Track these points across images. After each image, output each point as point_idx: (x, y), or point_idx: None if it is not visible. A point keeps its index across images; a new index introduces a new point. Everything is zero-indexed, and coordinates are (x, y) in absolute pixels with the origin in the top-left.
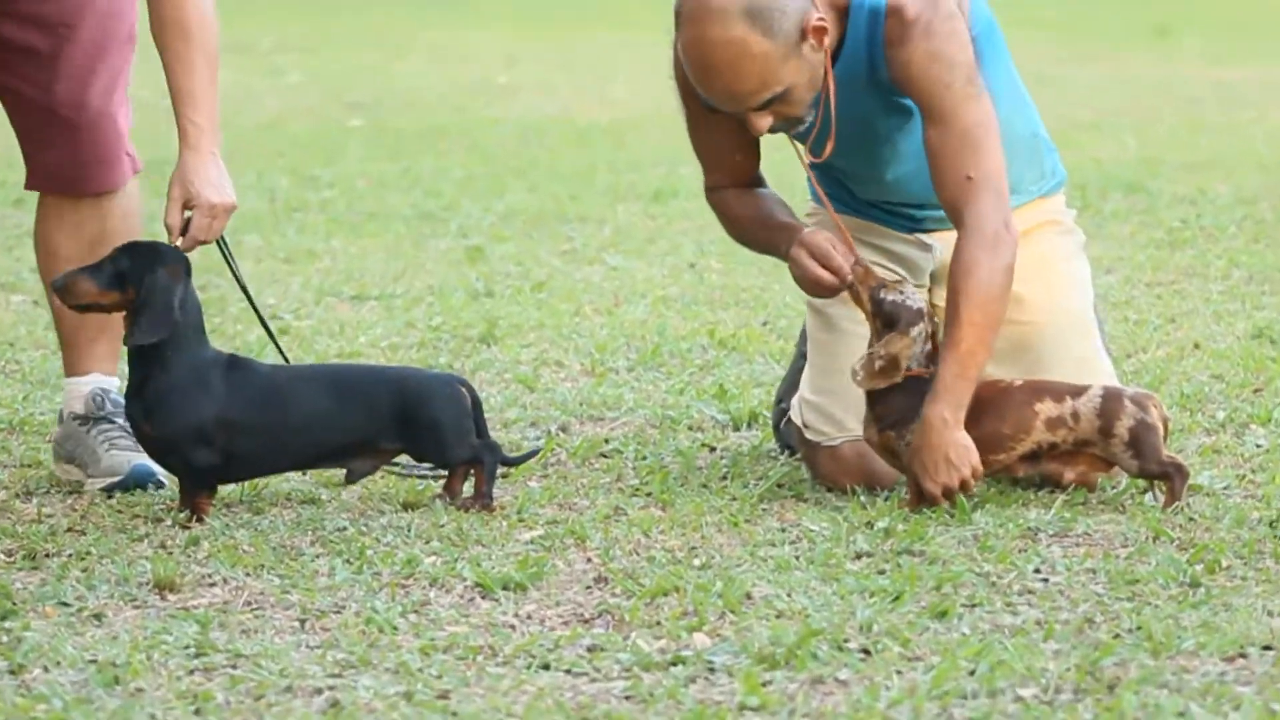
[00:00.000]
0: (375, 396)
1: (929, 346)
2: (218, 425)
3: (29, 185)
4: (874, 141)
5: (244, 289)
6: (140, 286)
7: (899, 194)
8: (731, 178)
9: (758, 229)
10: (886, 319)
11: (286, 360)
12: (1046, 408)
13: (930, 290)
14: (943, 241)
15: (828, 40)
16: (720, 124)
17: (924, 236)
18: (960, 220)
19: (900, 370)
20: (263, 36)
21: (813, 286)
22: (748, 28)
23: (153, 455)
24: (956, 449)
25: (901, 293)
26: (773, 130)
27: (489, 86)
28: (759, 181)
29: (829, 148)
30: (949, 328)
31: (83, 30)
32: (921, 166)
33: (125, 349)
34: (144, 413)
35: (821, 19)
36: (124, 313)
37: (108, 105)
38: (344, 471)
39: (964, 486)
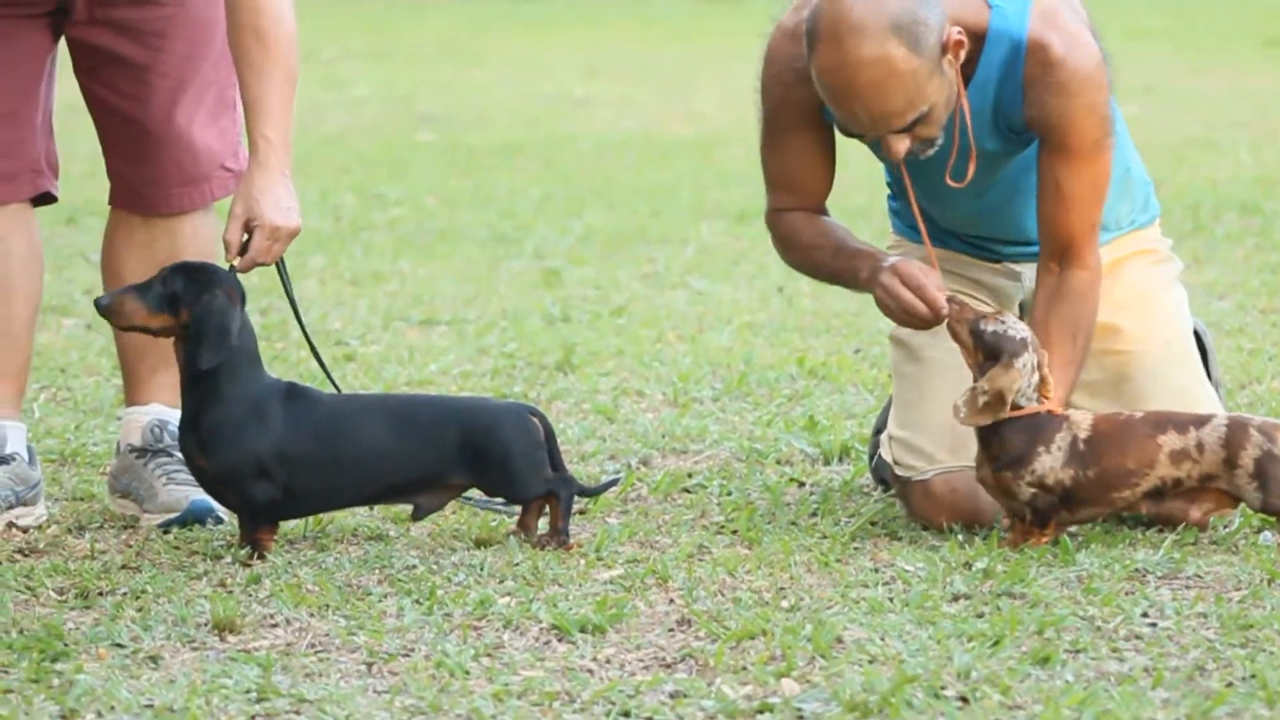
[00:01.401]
0: (442, 429)
1: (1037, 378)
2: (275, 458)
3: (112, 201)
4: (977, 170)
5: (298, 315)
6: (194, 309)
7: (978, 226)
8: (801, 201)
9: (829, 254)
10: (989, 351)
11: (339, 390)
12: (1170, 440)
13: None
14: (1030, 270)
15: (963, 55)
16: (799, 145)
17: (1013, 266)
18: (1066, 264)
19: (1006, 405)
20: (325, 45)
21: (905, 316)
22: (895, 44)
23: (209, 490)
24: None
25: (1003, 322)
26: (909, 154)
27: (566, 100)
28: (824, 209)
29: (971, 171)
30: (1060, 351)
31: (175, 41)
32: (1009, 203)
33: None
34: (199, 446)
35: (961, 33)
36: (172, 338)
37: (196, 121)
38: (411, 507)
39: None
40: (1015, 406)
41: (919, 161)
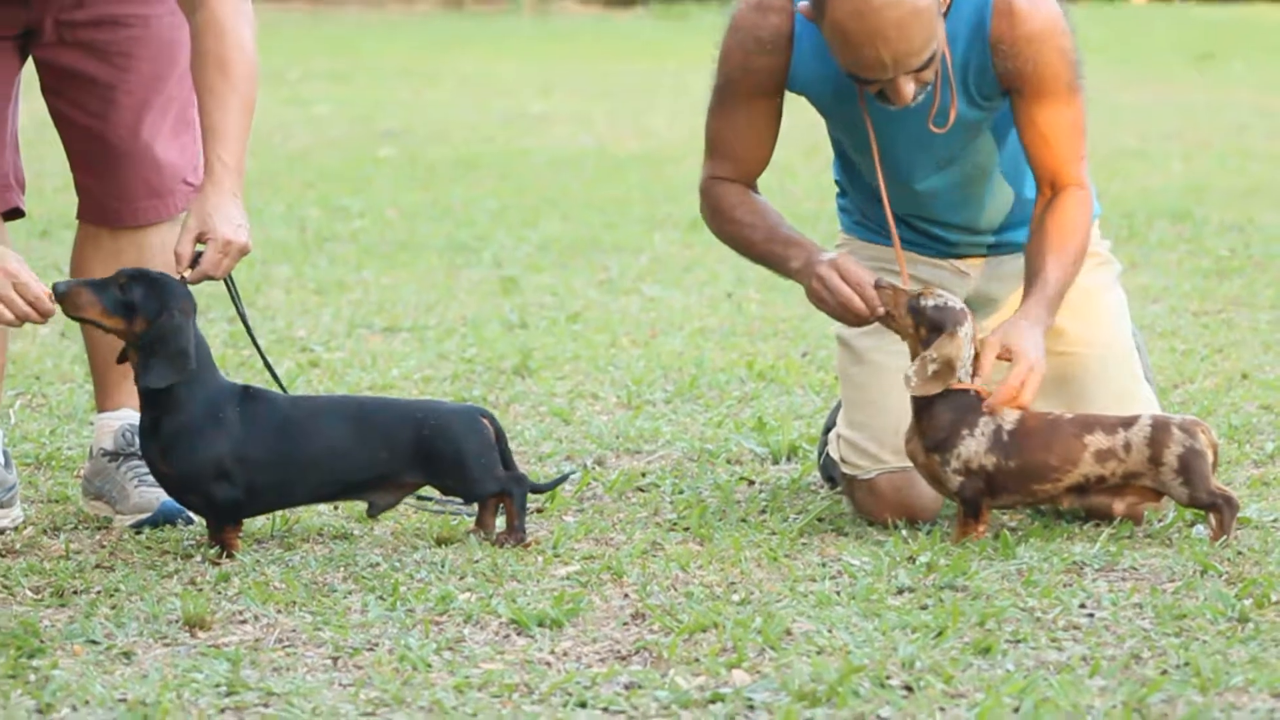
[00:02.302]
0: (395, 430)
1: (974, 352)
2: (235, 460)
3: (80, 215)
4: (930, 142)
5: (248, 329)
6: (152, 322)
7: (933, 206)
8: (738, 172)
9: (762, 235)
10: (932, 324)
11: (284, 391)
12: (1096, 440)
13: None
14: (975, 270)
15: (946, 6)
16: (748, 114)
17: (957, 263)
18: (1064, 182)
19: (955, 373)
20: (291, 66)
21: (841, 311)
22: None
23: (172, 494)
24: (1037, 348)
25: (940, 295)
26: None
27: (522, 116)
28: (755, 186)
29: (953, 116)
30: (1043, 273)
31: (140, 61)
32: (968, 184)
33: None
34: (160, 452)
35: None
36: (126, 344)
37: (160, 136)
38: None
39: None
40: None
41: (890, 126)
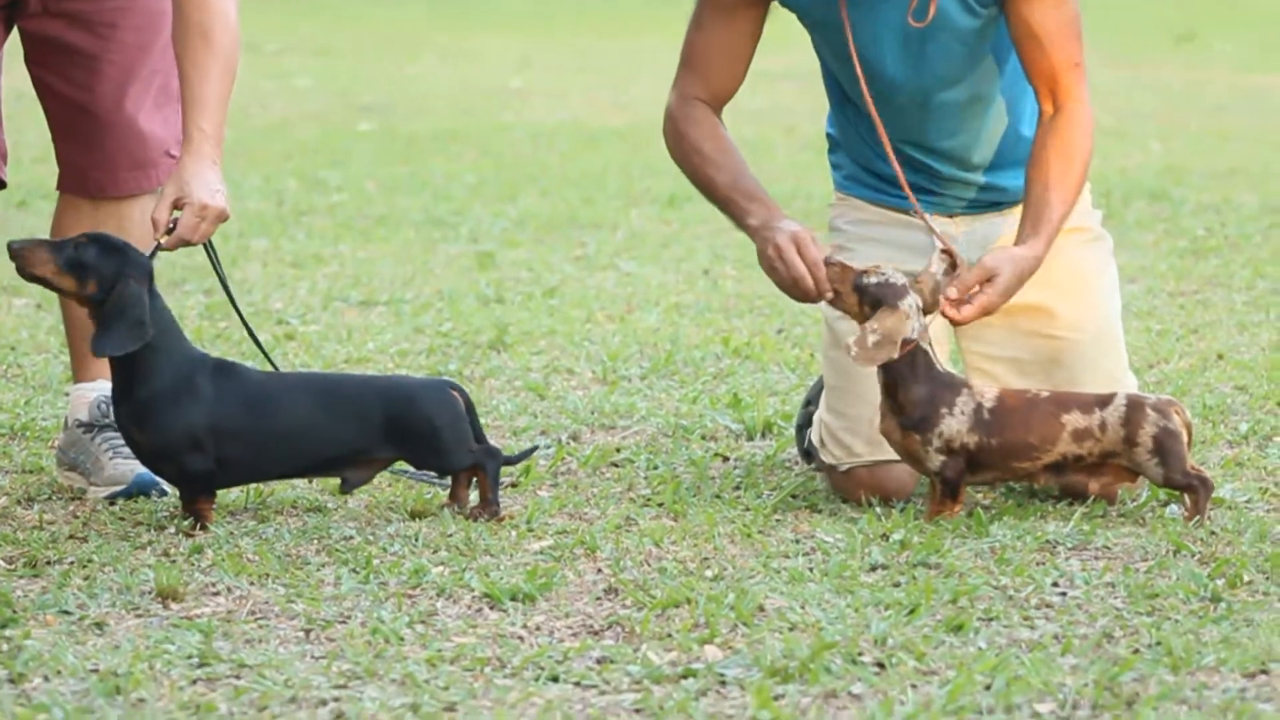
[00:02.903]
0: (365, 406)
1: (923, 321)
2: (208, 430)
3: (60, 186)
4: (922, 52)
5: (229, 295)
6: (103, 285)
7: (921, 130)
8: (709, 91)
9: (727, 179)
10: (874, 301)
11: (275, 368)
12: (1074, 419)
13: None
14: (960, 230)
15: None
16: (728, 30)
17: (946, 221)
18: (1059, 103)
19: (897, 346)
20: (269, 39)
21: (790, 284)
22: None
23: (145, 463)
24: (1016, 273)
25: (883, 273)
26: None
27: (501, 90)
28: (719, 111)
29: (932, 10)
30: (1044, 198)
31: (125, 31)
32: (954, 116)
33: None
34: (133, 420)
35: None
36: (87, 309)
37: (143, 108)
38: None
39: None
40: (906, 342)
41: (873, 26)
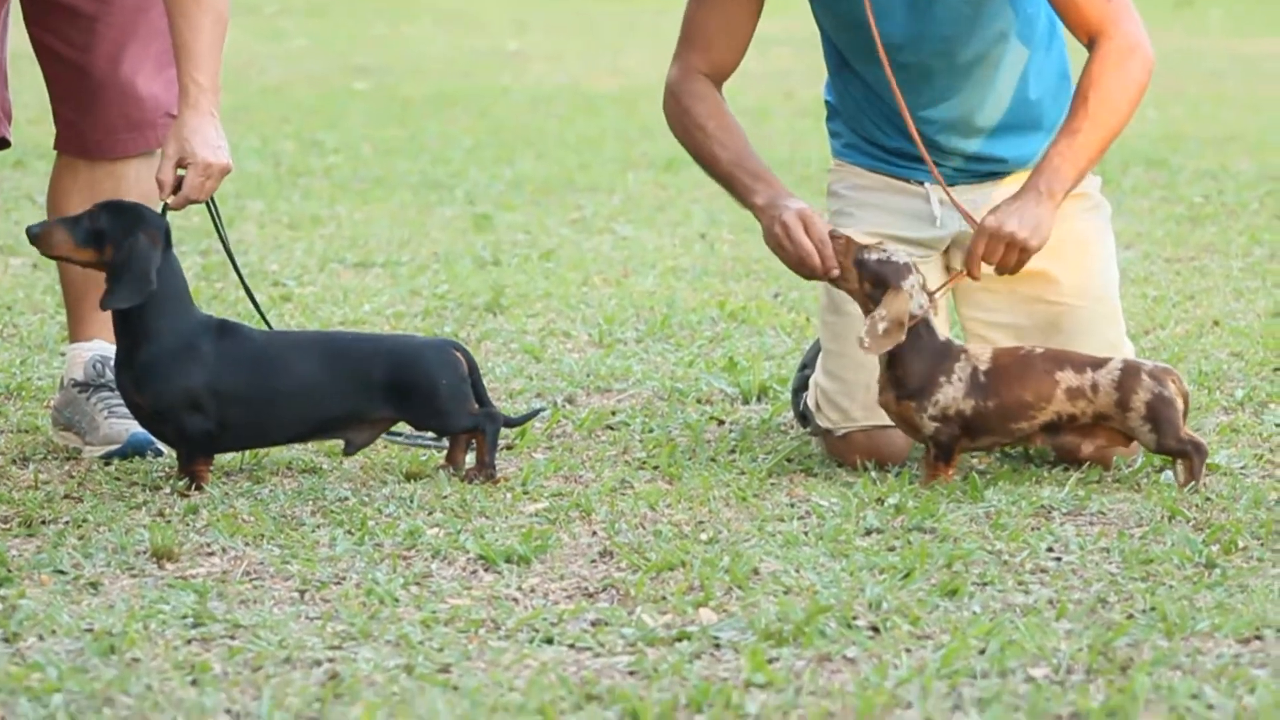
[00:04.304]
0: (368, 365)
1: (925, 298)
2: (209, 392)
3: (57, 146)
4: (932, 17)
5: (229, 253)
6: (118, 248)
7: (933, 97)
8: (710, 65)
9: (731, 156)
10: (876, 279)
11: (270, 327)
12: (1067, 377)
13: (949, 254)
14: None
15: None
16: (728, 3)
17: (940, 192)
18: (1100, 36)
19: (904, 329)
20: (267, 0)
21: (795, 262)
22: None
23: (145, 425)
24: (1036, 220)
25: (884, 250)
26: None
27: (498, 53)
28: (720, 86)
29: None
30: (1069, 118)
31: None
32: (971, 88)
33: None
34: (134, 382)
35: None
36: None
37: (142, 70)
38: (343, 443)
39: (1020, 259)
40: (910, 317)
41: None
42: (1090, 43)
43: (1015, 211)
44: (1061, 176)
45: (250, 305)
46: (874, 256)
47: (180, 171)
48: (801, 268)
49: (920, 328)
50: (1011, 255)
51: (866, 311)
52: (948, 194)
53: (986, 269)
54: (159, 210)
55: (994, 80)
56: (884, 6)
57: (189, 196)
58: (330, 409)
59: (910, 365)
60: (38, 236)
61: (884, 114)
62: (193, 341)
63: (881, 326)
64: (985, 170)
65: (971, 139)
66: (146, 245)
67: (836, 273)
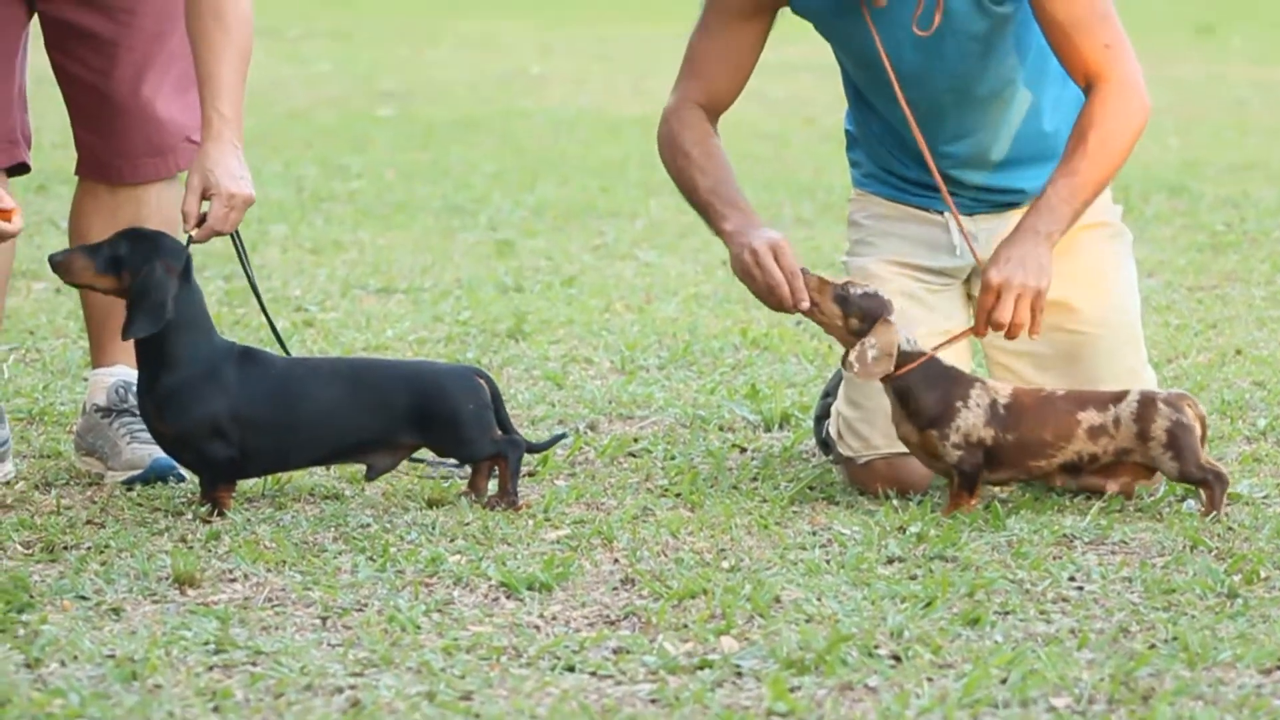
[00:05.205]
0: (391, 391)
1: (938, 349)
2: (231, 419)
3: (78, 171)
4: (941, 54)
5: (253, 284)
6: (136, 276)
7: (946, 133)
8: (709, 96)
9: (709, 183)
10: (864, 313)
11: (287, 354)
12: (1089, 416)
13: (970, 282)
14: (975, 225)
15: None
16: (732, 36)
17: (959, 221)
18: (1095, 78)
19: (893, 359)
20: (291, 24)
21: (766, 293)
22: None
23: (167, 451)
24: (1039, 264)
25: (865, 284)
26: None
27: (521, 77)
28: (716, 121)
29: (937, 20)
30: (1067, 158)
31: (143, 17)
32: (984, 122)
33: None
34: (156, 409)
35: None
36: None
37: (162, 93)
38: (365, 467)
39: (1035, 307)
40: (904, 357)
41: (895, 34)
42: (1088, 86)
43: (1017, 260)
44: (1058, 217)
45: (284, 330)
46: (858, 291)
47: (204, 203)
48: (770, 297)
49: (929, 363)
50: (1024, 306)
51: (848, 346)
52: (965, 237)
53: (994, 335)
54: (185, 243)
55: (1009, 115)
56: (894, 45)
57: (214, 228)
58: (352, 436)
59: (923, 397)
60: (59, 264)
61: (902, 146)
62: (215, 368)
63: (871, 355)
64: (1003, 200)
65: (988, 172)
66: (163, 274)
67: (805, 306)
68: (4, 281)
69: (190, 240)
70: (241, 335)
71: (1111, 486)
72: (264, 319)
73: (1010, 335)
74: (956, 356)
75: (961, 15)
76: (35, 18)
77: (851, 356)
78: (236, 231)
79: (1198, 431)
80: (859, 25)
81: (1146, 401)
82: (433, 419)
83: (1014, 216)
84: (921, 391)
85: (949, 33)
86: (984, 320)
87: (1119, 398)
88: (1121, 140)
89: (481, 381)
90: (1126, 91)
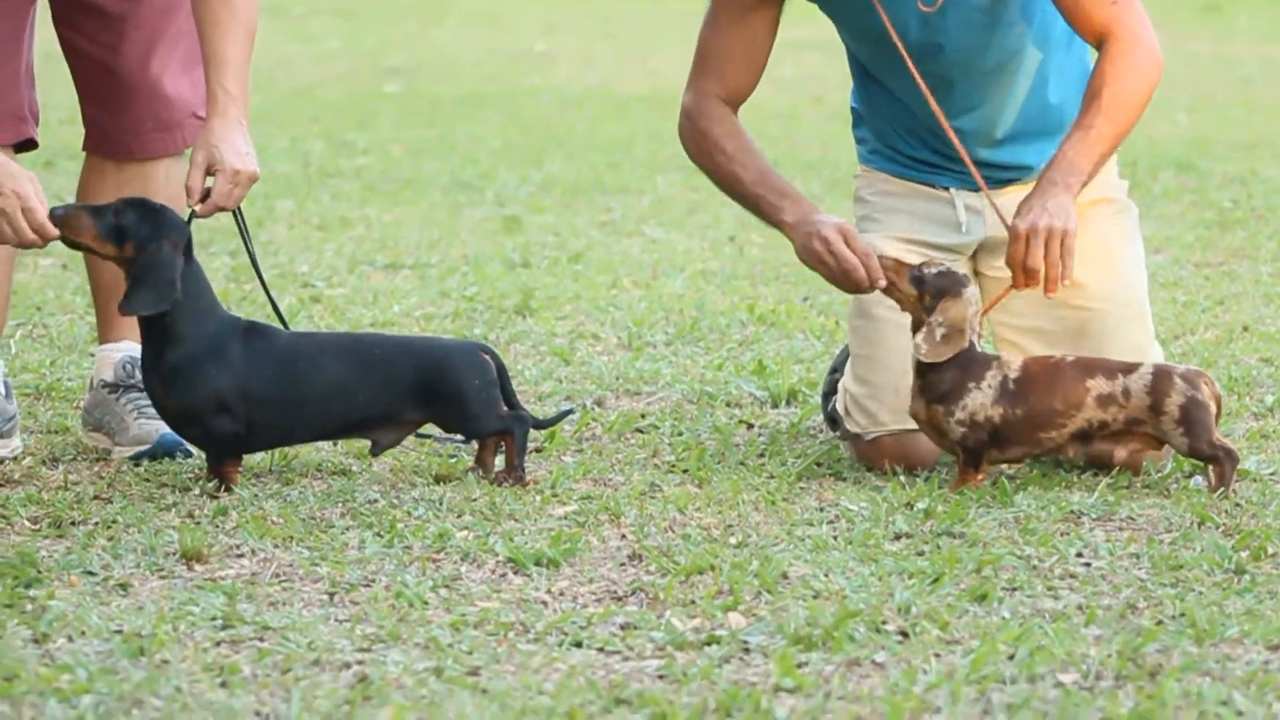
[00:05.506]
0: (397, 367)
1: (980, 314)
2: (236, 394)
3: (86, 147)
4: (946, 29)
5: (254, 260)
6: (140, 249)
7: (953, 107)
8: (727, 89)
9: (753, 176)
10: (937, 291)
11: (286, 327)
12: (1098, 384)
13: (976, 258)
14: (981, 203)
15: None
16: (744, 27)
17: (965, 195)
18: (1106, 37)
19: (965, 336)
20: (296, 1)
21: (841, 276)
22: None
23: (173, 426)
24: (1063, 209)
25: (941, 264)
26: None
27: (527, 54)
28: (735, 110)
29: None
30: (1082, 114)
31: None
32: (990, 95)
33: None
34: (161, 384)
35: None
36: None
37: (169, 70)
38: (370, 443)
39: (1065, 250)
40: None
41: (899, 10)
42: (1099, 44)
43: (1039, 207)
44: (1077, 169)
45: (290, 305)
46: (933, 270)
47: (208, 179)
48: (846, 281)
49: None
50: (1054, 247)
51: (921, 324)
52: (989, 198)
53: (1032, 293)
54: (188, 217)
55: (1014, 88)
56: (899, 18)
57: (217, 204)
58: (358, 411)
59: (943, 372)
60: (61, 219)
61: (907, 124)
62: (220, 343)
63: (940, 333)
64: (1010, 177)
65: (996, 147)
66: (169, 251)
67: (883, 284)
68: (11, 257)
69: (193, 215)
70: (248, 311)
71: (1120, 453)
72: (284, 288)
73: (1049, 288)
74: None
75: None
76: None
77: (918, 338)
78: (239, 208)
79: (1212, 409)
80: (864, 2)
81: (1162, 375)
82: (438, 395)
83: (1020, 193)
84: (944, 366)
85: (953, 5)
86: (1019, 270)
87: (1131, 368)
88: (1135, 96)
89: (487, 357)
90: (1137, 46)
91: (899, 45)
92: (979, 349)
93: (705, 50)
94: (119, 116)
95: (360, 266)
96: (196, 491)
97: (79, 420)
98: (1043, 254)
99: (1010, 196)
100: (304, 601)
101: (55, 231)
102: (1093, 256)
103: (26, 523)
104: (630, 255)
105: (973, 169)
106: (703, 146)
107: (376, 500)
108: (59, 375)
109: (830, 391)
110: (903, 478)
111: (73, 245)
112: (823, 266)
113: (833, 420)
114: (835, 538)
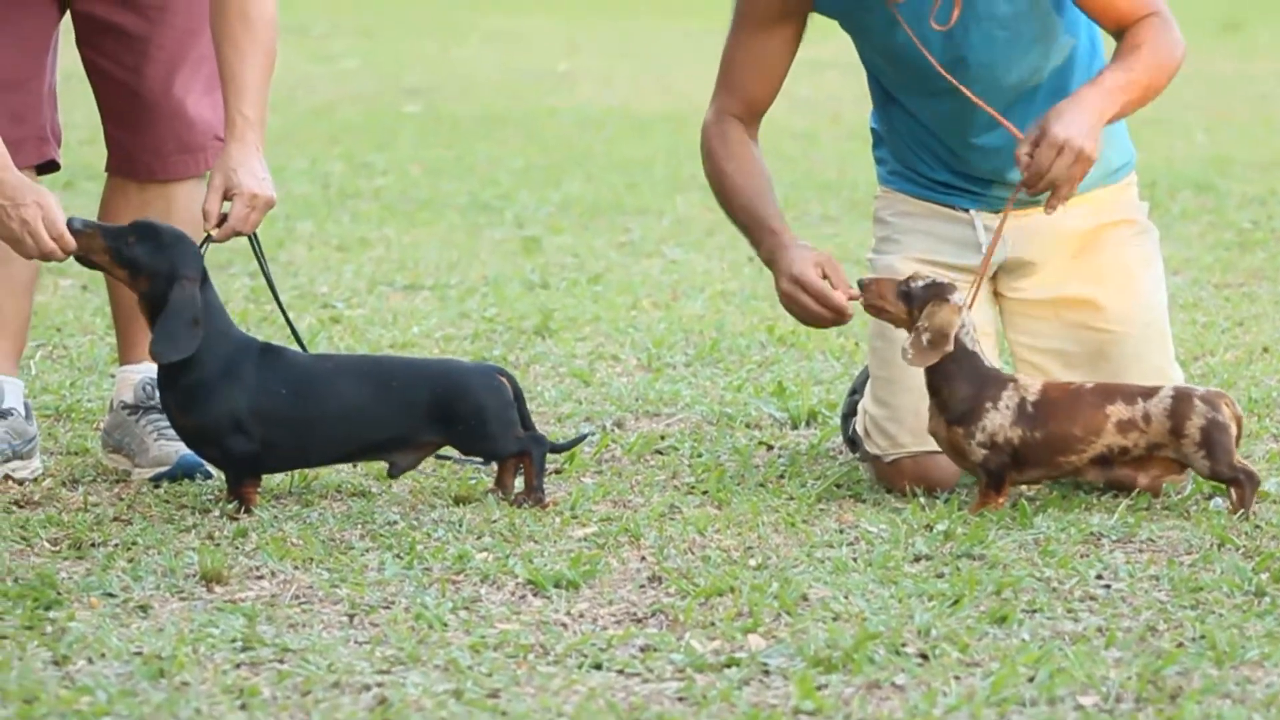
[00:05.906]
0: (413, 389)
1: (970, 320)
2: (252, 414)
3: (108, 167)
4: (976, 44)
5: (271, 284)
6: (155, 283)
7: (974, 127)
8: (746, 105)
9: (745, 201)
10: (923, 302)
11: (304, 349)
12: (1118, 410)
13: (997, 279)
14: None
15: None
16: (764, 43)
17: (984, 215)
18: (1134, 22)
19: (949, 340)
20: (317, 20)
21: (811, 320)
22: None
23: (190, 446)
24: (1083, 131)
25: (926, 276)
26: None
27: (548, 75)
28: (757, 125)
29: (955, 14)
30: (1120, 57)
31: (175, 15)
32: (1010, 113)
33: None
34: (177, 404)
35: None
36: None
37: (192, 92)
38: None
39: (1078, 169)
40: (965, 351)
41: (919, 27)
42: (1121, 31)
43: (1068, 117)
44: (1112, 100)
45: (309, 326)
46: (918, 283)
47: (225, 203)
48: (818, 324)
49: (964, 355)
50: (1065, 161)
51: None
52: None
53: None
54: (204, 241)
55: (1038, 104)
56: (921, 34)
57: (234, 228)
58: (374, 433)
59: (956, 389)
60: (79, 233)
61: (928, 147)
62: (235, 364)
63: (925, 338)
64: (1029, 200)
65: (1013, 169)
66: (190, 291)
67: (850, 313)
68: (33, 278)
69: (209, 239)
70: (267, 333)
71: (1142, 479)
72: (302, 309)
73: (1050, 202)
74: (985, 352)
75: (987, 2)
76: (66, 14)
77: (905, 344)
78: (255, 233)
79: (1233, 431)
80: (885, 20)
81: (1182, 397)
82: (455, 417)
83: (1037, 213)
84: (955, 385)
85: (973, 21)
86: (1033, 173)
87: (1150, 392)
88: (1169, 61)
89: (503, 379)
90: (1170, 26)
91: (927, 56)
92: (988, 364)
93: (727, 66)
94: (141, 137)
95: (380, 287)
96: (216, 513)
97: (99, 441)
98: (1049, 160)
99: (1033, 218)
100: (324, 623)
101: (74, 243)
102: (1113, 278)
103: (47, 544)
104: (650, 276)
105: (1011, 202)
106: (711, 163)
107: (396, 522)
108: (79, 396)
109: (850, 413)
110: (922, 499)
111: (88, 264)
112: (795, 315)
113: (852, 442)
114: (855, 559)
